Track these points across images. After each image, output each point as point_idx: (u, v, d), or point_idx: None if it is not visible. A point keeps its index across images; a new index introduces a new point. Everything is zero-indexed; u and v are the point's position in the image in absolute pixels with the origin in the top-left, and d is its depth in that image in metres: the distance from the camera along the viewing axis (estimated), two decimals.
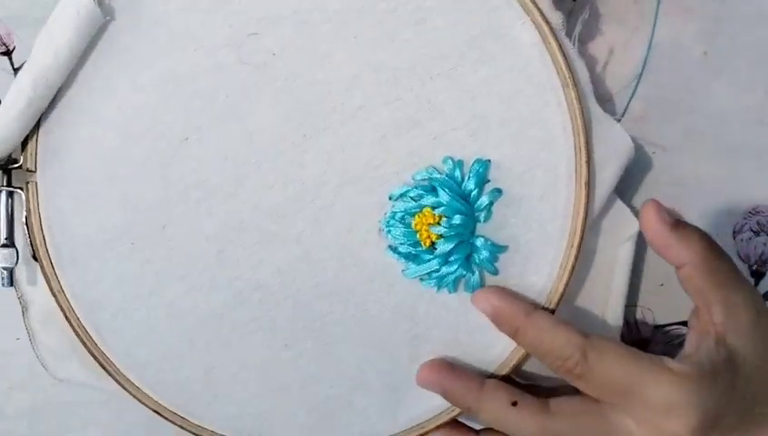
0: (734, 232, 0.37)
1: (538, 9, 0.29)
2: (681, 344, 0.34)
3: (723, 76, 0.37)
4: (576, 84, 0.30)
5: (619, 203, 0.33)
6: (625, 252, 0.33)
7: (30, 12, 0.35)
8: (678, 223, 0.29)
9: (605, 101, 0.34)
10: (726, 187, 0.37)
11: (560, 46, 0.29)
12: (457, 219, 0.29)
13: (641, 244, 0.34)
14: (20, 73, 0.30)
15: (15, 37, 0.36)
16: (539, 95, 0.30)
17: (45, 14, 0.34)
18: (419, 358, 0.31)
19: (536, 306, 0.30)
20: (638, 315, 0.37)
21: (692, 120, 0.37)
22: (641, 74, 0.35)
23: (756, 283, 0.37)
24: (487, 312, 0.30)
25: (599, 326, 0.33)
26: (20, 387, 0.36)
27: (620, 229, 0.33)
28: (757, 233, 0.37)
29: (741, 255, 0.37)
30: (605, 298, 0.33)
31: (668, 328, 0.37)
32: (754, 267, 0.37)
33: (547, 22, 0.29)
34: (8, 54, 0.36)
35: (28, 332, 0.33)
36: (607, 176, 0.31)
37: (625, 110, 0.35)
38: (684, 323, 0.35)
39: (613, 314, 0.33)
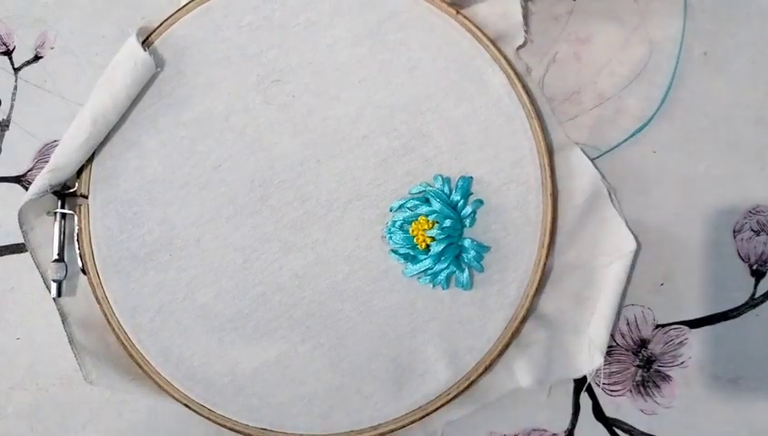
0: (735, 231, 0.38)
1: (505, 58, 0.38)
2: (681, 344, 0.38)
3: (722, 76, 0.38)
4: (538, 115, 0.37)
5: (617, 221, 0.37)
6: (618, 268, 0.37)
7: (30, 12, 0.40)
8: None
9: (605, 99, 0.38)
10: (727, 186, 0.38)
11: (524, 86, 0.37)
12: (447, 222, 0.36)
13: (639, 243, 0.37)
14: (81, 111, 0.37)
15: (16, 37, 0.40)
16: (509, 125, 0.37)
17: (45, 14, 0.40)
18: (418, 348, 0.37)
19: None
20: (638, 315, 0.38)
21: (692, 119, 0.38)
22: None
23: (756, 283, 0.38)
24: None
25: (583, 341, 0.38)
26: (21, 387, 0.38)
27: (615, 245, 0.38)
28: (757, 233, 0.38)
29: (741, 254, 0.38)
30: (592, 310, 0.38)
31: (668, 327, 0.38)
32: (755, 266, 0.38)
33: (513, 68, 0.37)
34: (8, 53, 0.40)
35: (69, 338, 0.37)
36: (574, 188, 0.38)
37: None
38: (684, 323, 0.38)
39: (600, 326, 0.37)
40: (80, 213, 0.38)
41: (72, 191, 0.38)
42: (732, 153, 0.38)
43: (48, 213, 0.38)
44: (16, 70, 0.40)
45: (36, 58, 0.41)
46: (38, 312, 0.39)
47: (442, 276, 0.36)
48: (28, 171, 0.40)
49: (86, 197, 0.38)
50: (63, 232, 0.38)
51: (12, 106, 0.40)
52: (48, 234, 0.38)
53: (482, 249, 0.37)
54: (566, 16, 0.38)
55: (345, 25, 0.38)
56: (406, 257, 0.37)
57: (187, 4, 0.39)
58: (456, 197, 0.37)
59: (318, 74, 0.38)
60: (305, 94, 0.38)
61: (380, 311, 0.37)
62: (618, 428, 0.38)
